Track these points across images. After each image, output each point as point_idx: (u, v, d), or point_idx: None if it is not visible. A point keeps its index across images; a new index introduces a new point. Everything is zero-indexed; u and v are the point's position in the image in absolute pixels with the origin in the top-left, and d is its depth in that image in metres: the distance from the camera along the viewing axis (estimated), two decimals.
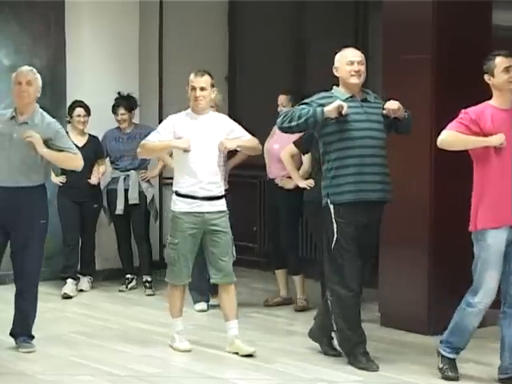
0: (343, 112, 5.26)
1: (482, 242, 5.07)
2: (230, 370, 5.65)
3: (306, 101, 5.42)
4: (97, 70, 8.23)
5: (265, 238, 8.30)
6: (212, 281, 6.01)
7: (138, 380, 5.32)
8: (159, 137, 5.83)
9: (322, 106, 5.28)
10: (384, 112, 5.39)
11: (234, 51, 9.80)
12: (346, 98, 5.35)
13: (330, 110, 5.25)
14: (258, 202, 8.49)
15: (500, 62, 5.04)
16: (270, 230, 7.70)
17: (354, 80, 5.32)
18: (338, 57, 5.38)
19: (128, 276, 7.49)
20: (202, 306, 7.02)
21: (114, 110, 7.49)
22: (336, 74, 5.41)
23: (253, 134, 6.53)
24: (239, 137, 5.95)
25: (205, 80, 5.82)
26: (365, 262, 5.46)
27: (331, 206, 5.33)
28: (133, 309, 7.04)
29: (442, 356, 5.23)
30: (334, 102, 5.25)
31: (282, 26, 9.46)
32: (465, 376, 5.19)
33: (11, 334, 5.79)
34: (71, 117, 7.35)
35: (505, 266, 5.05)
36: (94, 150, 7.40)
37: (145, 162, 7.44)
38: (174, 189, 5.85)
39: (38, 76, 5.50)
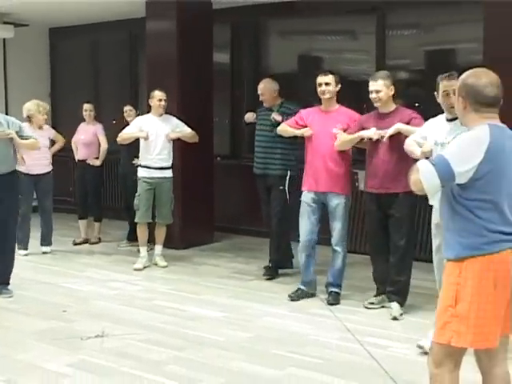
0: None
1: (300, 199, 5.97)
2: (63, 279, 6.85)
3: None
4: None
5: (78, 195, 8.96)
6: (156, 220, 7.34)
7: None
8: (129, 129, 7.31)
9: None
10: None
11: (55, 75, 11.31)
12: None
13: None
14: (72, 172, 9.39)
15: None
16: (79, 194, 8.80)
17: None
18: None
19: None
20: (26, 251, 7.98)
21: None
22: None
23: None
24: (182, 130, 7.33)
25: (164, 94, 7.28)
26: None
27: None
28: None
29: (302, 290, 6.03)
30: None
31: (84, 59, 11.05)
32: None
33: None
34: None
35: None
36: None
37: None
38: (139, 162, 7.35)
39: None
